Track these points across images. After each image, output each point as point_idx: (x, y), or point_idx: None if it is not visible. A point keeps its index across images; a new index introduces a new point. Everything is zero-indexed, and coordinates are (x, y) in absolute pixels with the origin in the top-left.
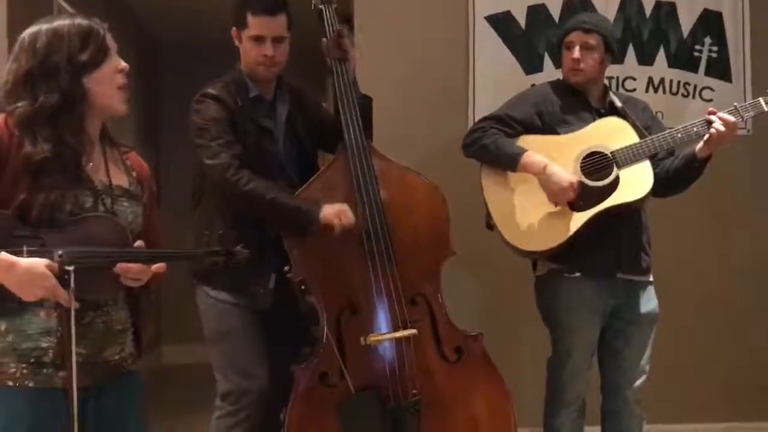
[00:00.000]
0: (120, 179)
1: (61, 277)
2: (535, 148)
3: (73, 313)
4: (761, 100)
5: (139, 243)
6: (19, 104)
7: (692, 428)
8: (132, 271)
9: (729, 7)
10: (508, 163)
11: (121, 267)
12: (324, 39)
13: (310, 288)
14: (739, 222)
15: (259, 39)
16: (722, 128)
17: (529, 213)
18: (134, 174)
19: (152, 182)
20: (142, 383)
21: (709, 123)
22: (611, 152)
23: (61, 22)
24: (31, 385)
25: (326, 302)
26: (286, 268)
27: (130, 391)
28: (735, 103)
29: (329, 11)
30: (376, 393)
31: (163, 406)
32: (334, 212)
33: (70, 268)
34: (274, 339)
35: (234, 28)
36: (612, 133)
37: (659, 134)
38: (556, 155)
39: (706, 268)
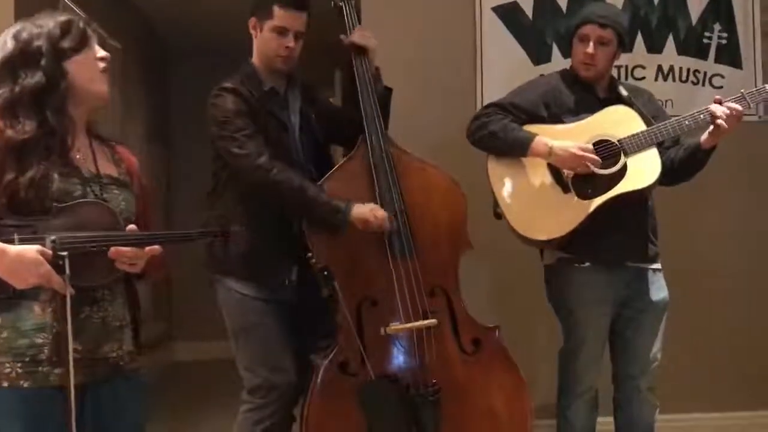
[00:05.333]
0: (108, 169)
1: (55, 264)
2: None
3: (69, 300)
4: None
5: (131, 227)
6: None
7: (712, 417)
8: (126, 255)
9: None
10: (518, 148)
11: (114, 251)
12: (342, 35)
13: (332, 276)
14: (754, 208)
15: (282, 31)
16: (724, 124)
17: (536, 201)
18: (123, 166)
19: (142, 175)
20: (144, 384)
21: (714, 117)
22: (618, 140)
23: (43, 17)
24: (26, 385)
25: (347, 291)
26: (309, 254)
27: (130, 391)
28: (742, 90)
29: (349, 7)
30: (395, 382)
31: (174, 402)
32: (368, 210)
33: (64, 253)
34: (296, 331)
35: (254, 18)
36: (619, 122)
37: (666, 122)
38: None
39: (724, 256)
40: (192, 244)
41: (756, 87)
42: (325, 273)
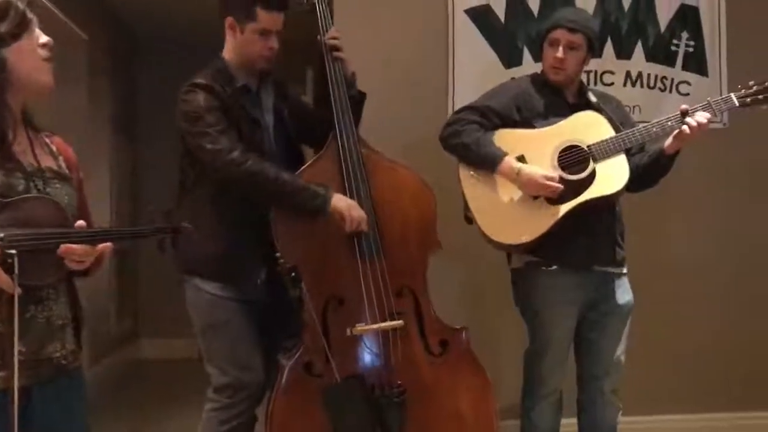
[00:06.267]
0: (48, 161)
1: (3, 262)
2: (512, 142)
3: (17, 301)
4: (733, 95)
5: (80, 223)
6: None
7: (676, 419)
8: (77, 253)
9: (705, 2)
10: (488, 164)
11: (64, 248)
12: (318, 36)
13: (300, 276)
14: (718, 213)
15: (266, 33)
16: (695, 124)
17: (506, 206)
18: (61, 158)
19: (79, 168)
20: (84, 383)
21: (684, 115)
22: (588, 146)
23: None
24: None
25: (314, 291)
26: (278, 254)
27: (73, 390)
28: (708, 98)
29: (322, 6)
30: (360, 382)
31: (139, 400)
32: (347, 206)
33: (13, 251)
34: (266, 329)
35: (232, 18)
36: (588, 127)
37: (635, 128)
38: (533, 149)
39: (690, 260)
40: (144, 241)
41: (721, 95)
42: (293, 274)
